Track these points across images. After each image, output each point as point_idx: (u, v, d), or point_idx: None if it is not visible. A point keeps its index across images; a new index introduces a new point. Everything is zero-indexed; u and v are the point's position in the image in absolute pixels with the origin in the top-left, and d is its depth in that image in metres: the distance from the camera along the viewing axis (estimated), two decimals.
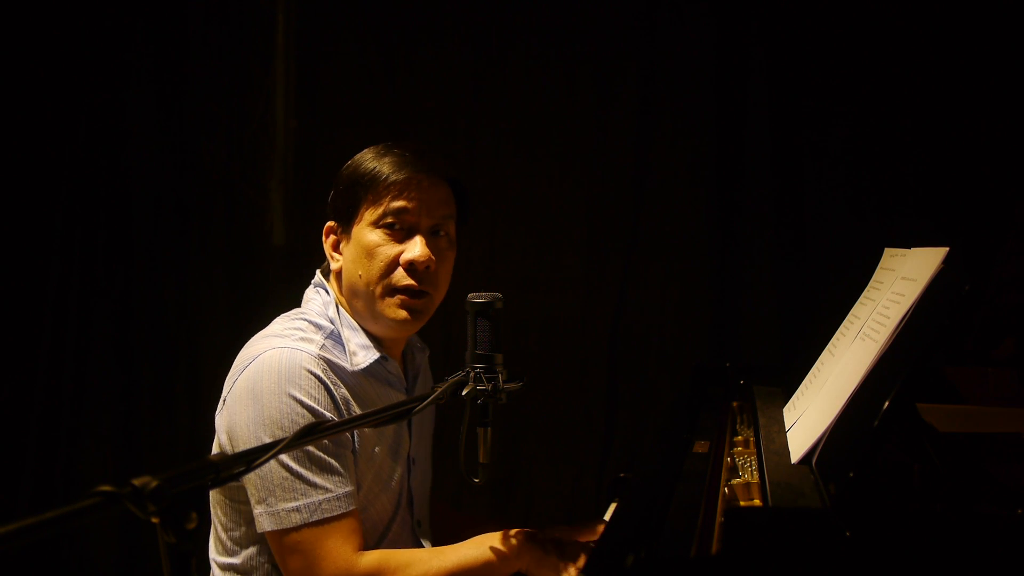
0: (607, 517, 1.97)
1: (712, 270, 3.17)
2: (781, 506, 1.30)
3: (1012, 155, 2.85)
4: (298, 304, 1.87)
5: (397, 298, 1.75)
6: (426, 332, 1.93)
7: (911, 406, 1.47)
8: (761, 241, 3.14)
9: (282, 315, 1.84)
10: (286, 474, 1.64)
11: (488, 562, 1.70)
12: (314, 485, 1.65)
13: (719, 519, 1.33)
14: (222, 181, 3.34)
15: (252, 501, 1.68)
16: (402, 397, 1.86)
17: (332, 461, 1.67)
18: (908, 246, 1.68)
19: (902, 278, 1.57)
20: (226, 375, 1.77)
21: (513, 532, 1.75)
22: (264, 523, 1.66)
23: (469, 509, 2.97)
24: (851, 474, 1.24)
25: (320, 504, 1.65)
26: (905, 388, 1.30)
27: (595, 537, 1.84)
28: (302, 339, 1.73)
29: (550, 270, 3.25)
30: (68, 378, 3.27)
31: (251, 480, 1.66)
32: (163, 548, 0.94)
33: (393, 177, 1.74)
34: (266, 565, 1.76)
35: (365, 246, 1.75)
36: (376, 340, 1.81)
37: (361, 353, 1.77)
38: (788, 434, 1.63)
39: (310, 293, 1.86)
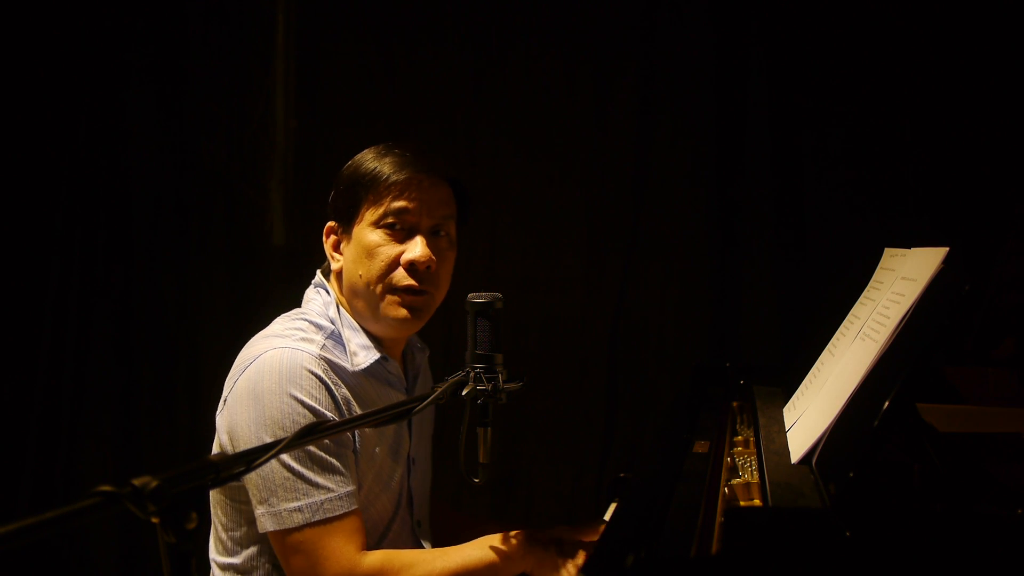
0: (607, 517, 1.97)
1: (712, 270, 3.17)
2: (781, 506, 1.30)
3: (1012, 155, 2.85)
4: (298, 304, 1.87)
5: (398, 297, 1.75)
6: (426, 332, 1.93)
7: (911, 406, 1.47)
8: (761, 241, 3.14)
9: (282, 315, 1.84)
10: (288, 474, 1.64)
11: (492, 563, 1.70)
12: (316, 485, 1.65)
13: (719, 519, 1.33)
14: (222, 181, 3.34)
15: (254, 502, 1.68)
16: (402, 397, 1.86)
17: (334, 461, 1.67)
18: (908, 246, 1.68)
19: (902, 278, 1.57)
20: (226, 375, 1.77)
21: (517, 533, 1.75)
22: (266, 523, 1.66)
23: (469, 509, 2.97)
24: (851, 474, 1.24)
25: (322, 504, 1.65)
26: (905, 388, 1.30)
27: (596, 537, 1.84)
28: (303, 339, 1.73)
29: (550, 270, 3.25)
30: (68, 378, 3.27)
31: (253, 481, 1.66)
32: (163, 548, 0.94)
33: (394, 177, 1.74)
34: (266, 565, 1.76)
35: (366, 246, 1.75)
36: (376, 340, 1.81)
37: (362, 353, 1.77)
38: (788, 434, 1.63)
39: (310, 293, 1.86)
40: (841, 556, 1.14)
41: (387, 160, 1.77)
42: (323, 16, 3.30)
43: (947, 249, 1.44)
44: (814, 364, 1.83)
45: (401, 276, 1.75)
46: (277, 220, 3.35)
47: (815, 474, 1.39)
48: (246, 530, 1.76)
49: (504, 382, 1.61)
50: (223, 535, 1.79)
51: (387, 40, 3.27)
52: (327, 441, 1.67)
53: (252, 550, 1.77)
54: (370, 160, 1.78)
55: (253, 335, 1.80)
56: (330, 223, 1.84)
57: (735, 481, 1.51)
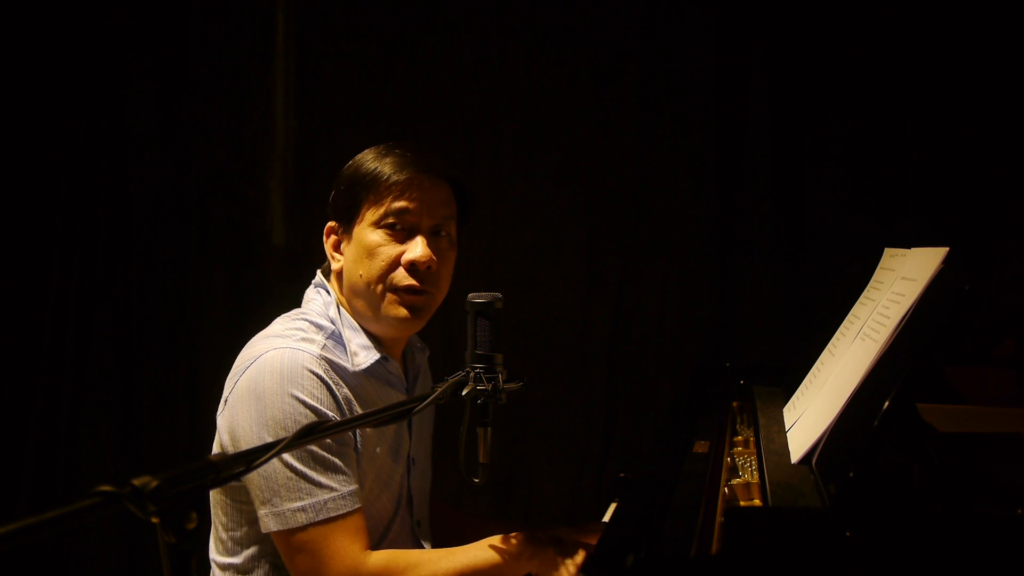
0: (607, 517, 1.97)
1: (712, 270, 3.18)
2: (781, 506, 1.30)
3: (1012, 155, 2.85)
4: (298, 304, 1.87)
5: (398, 297, 1.75)
6: (426, 332, 1.93)
7: (911, 406, 1.47)
8: (761, 241, 3.14)
9: (283, 315, 1.84)
10: (290, 474, 1.64)
11: (498, 564, 1.70)
12: (319, 484, 1.65)
13: (719, 519, 1.33)
14: (222, 181, 3.34)
15: (256, 502, 1.68)
16: (403, 397, 1.86)
17: (336, 460, 1.67)
18: (908, 246, 1.68)
19: (902, 278, 1.57)
20: (226, 375, 1.77)
21: (523, 533, 1.75)
22: (270, 524, 1.66)
23: (469, 509, 2.97)
24: (851, 474, 1.24)
25: (326, 503, 1.65)
26: (905, 388, 1.30)
27: (597, 538, 1.84)
28: (303, 339, 1.73)
29: (550, 270, 3.25)
30: (68, 378, 3.27)
31: (255, 481, 1.66)
32: (163, 548, 0.94)
33: (394, 178, 1.74)
34: (266, 565, 1.76)
35: (366, 246, 1.75)
36: (377, 340, 1.81)
37: (362, 353, 1.77)
38: (788, 434, 1.63)
39: (311, 293, 1.86)
40: (841, 556, 1.14)
41: (388, 160, 1.77)
42: (323, 16, 3.30)
43: (947, 249, 1.44)
44: (814, 364, 1.83)
45: (402, 276, 1.75)
46: (277, 220, 3.35)
47: (815, 474, 1.39)
48: (247, 530, 1.76)
49: (504, 382, 1.61)
50: (223, 535, 1.79)
51: (387, 40, 3.27)
52: (329, 440, 1.67)
53: (252, 550, 1.77)
54: (370, 160, 1.78)
55: (253, 335, 1.80)
56: (330, 223, 1.84)
57: (735, 481, 1.51)
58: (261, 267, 3.33)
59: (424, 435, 1.99)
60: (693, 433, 1.81)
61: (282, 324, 1.79)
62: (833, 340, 1.82)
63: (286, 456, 1.63)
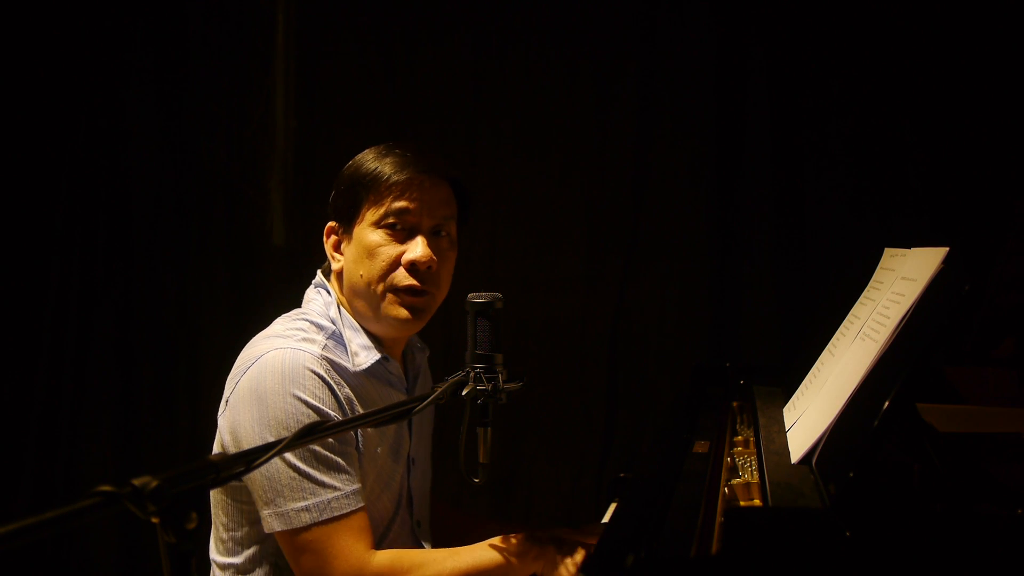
0: (607, 517, 1.97)
1: (712, 270, 3.18)
2: (781, 506, 1.30)
3: (1012, 155, 2.85)
4: (298, 304, 1.87)
5: (399, 297, 1.75)
6: (426, 332, 1.93)
7: (911, 406, 1.47)
8: (761, 241, 3.14)
9: (283, 315, 1.84)
10: (294, 474, 1.64)
11: (502, 564, 1.70)
12: (322, 484, 1.65)
13: (719, 519, 1.33)
14: (222, 181, 3.34)
15: (259, 503, 1.68)
16: (403, 397, 1.86)
17: (339, 460, 1.67)
18: (908, 246, 1.68)
19: (902, 278, 1.57)
20: (226, 375, 1.77)
21: (528, 534, 1.76)
22: (273, 524, 1.66)
23: (469, 509, 2.97)
24: (851, 474, 1.24)
25: (329, 503, 1.65)
26: (905, 388, 1.30)
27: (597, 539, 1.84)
28: (304, 339, 1.73)
29: (550, 270, 3.25)
30: (68, 378, 3.28)
31: (257, 482, 1.66)
32: (163, 548, 0.94)
33: (395, 178, 1.74)
34: (267, 565, 1.76)
35: (367, 246, 1.75)
36: (377, 340, 1.81)
37: (363, 354, 1.77)
38: (788, 434, 1.63)
39: (311, 293, 1.86)
40: (841, 556, 1.14)
41: (388, 160, 1.77)
42: (323, 16, 3.30)
43: (947, 249, 1.44)
44: (814, 364, 1.83)
45: (402, 276, 1.75)
46: (277, 220, 3.35)
47: (815, 474, 1.39)
48: (247, 530, 1.76)
49: (504, 382, 1.61)
50: (224, 535, 1.79)
51: (387, 40, 3.27)
52: (332, 440, 1.67)
53: (253, 550, 1.77)
54: (371, 160, 1.78)
55: (253, 335, 1.80)
56: (331, 223, 1.84)
57: (735, 481, 1.51)
58: (261, 267, 3.33)
59: (424, 435, 1.99)
60: (693, 433, 1.81)
61: (283, 324, 1.79)
62: (833, 340, 1.82)
63: (289, 456, 1.63)
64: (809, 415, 1.59)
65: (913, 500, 1.42)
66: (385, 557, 1.69)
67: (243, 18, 3.32)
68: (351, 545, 1.65)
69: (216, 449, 1.77)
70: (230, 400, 1.71)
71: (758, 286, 3.14)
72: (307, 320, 1.78)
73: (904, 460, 1.48)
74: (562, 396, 3.23)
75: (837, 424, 1.43)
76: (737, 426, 1.94)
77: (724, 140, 3.16)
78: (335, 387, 1.70)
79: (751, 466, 1.61)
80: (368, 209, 1.76)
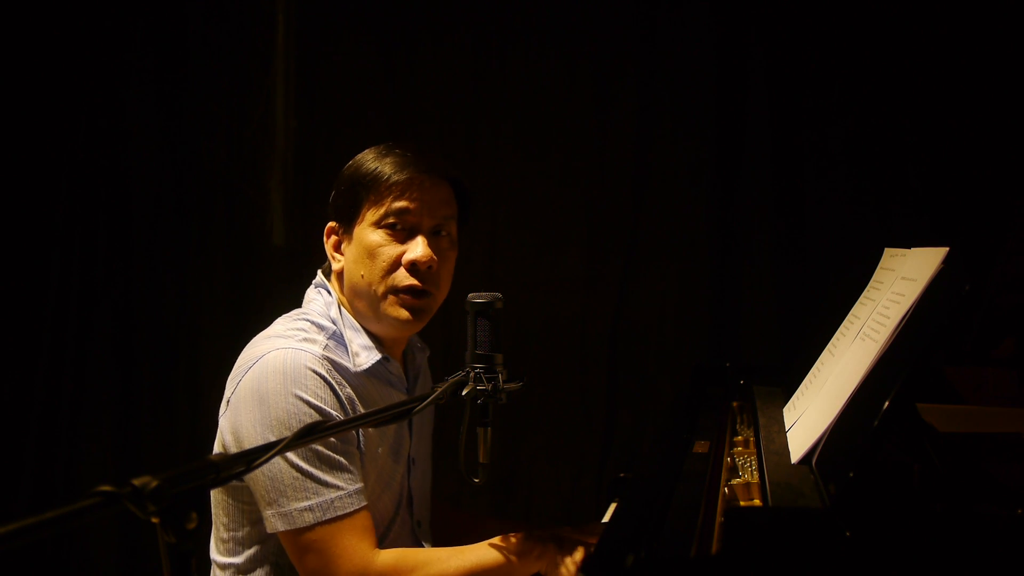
0: (607, 517, 1.97)
1: (712, 270, 3.18)
2: (781, 506, 1.30)
3: (1012, 155, 2.85)
4: (298, 304, 1.87)
5: (399, 298, 1.75)
6: (426, 332, 1.93)
7: (911, 406, 1.47)
8: (761, 241, 3.14)
9: (284, 315, 1.84)
10: (296, 474, 1.64)
11: (506, 562, 1.70)
12: (326, 484, 1.65)
13: (719, 519, 1.33)
14: (222, 181, 3.34)
15: (262, 503, 1.68)
16: (403, 397, 1.86)
17: (341, 459, 1.67)
18: (908, 246, 1.68)
19: (902, 278, 1.57)
20: (227, 375, 1.77)
21: (530, 532, 1.76)
22: (277, 524, 1.66)
23: (469, 509, 2.97)
24: (851, 474, 1.24)
25: (333, 502, 1.65)
26: (905, 388, 1.30)
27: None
28: (305, 339, 1.72)
29: (550, 270, 3.25)
30: (68, 378, 3.28)
31: (260, 482, 1.66)
32: (163, 548, 0.94)
33: (395, 178, 1.74)
34: (268, 565, 1.76)
35: (367, 246, 1.75)
36: (377, 340, 1.81)
37: (363, 354, 1.77)
38: (788, 434, 1.63)
39: (311, 293, 1.86)
40: (841, 556, 1.14)
41: (388, 160, 1.77)
42: (323, 16, 3.30)
43: (947, 249, 1.44)
44: (814, 364, 1.83)
45: (403, 276, 1.75)
46: (277, 220, 3.35)
47: (815, 474, 1.39)
48: (248, 530, 1.76)
49: (504, 382, 1.61)
50: (224, 535, 1.79)
51: (387, 40, 3.27)
52: (333, 440, 1.67)
53: (254, 550, 1.77)
54: (371, 160, 1.78)
55: (253, 335, 1.80)
56: (331, 223, 1.84)
57: (735, 481, 1.51)
58: (261, 267, 3.33)
59: (424, 435, 1.99)
60: (693, 433, 1.81)
61: (283, 324, 1.79)
62: (833, 340, 1.82)
63: (291, 456, 1.63)
64: (809, 415, 1.59)
65: (913, 500, 1.42)
66: (389, 556, 1.69)
67: (243, 18, 3.32)
68: (355, 544, 1.65)
69: (217, 449, 1.77)
70: (231, 400, 1.71)
71: (758, 286, 3.14)
72: (308, 320, 1.78)
73: (904, 460, 1.48)
74: (562, 396, 3.23)
75: (837, 424, 1.43)
76: (737, 426, 1.93)
77: (724, 140, 3.16)
78: (336, 387, 1.70)
79: (751, 466, 1.61)
80: (368, 209, 1.76)
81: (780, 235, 3.12)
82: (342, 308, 1.81)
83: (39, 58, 3.22)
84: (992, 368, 2.05)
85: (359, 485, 1.69)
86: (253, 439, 1.65)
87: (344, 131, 3.22)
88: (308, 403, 1.65)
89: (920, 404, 1.54)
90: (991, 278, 2.01)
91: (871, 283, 1.81)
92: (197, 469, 0.99)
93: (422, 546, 1.92)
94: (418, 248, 1.74)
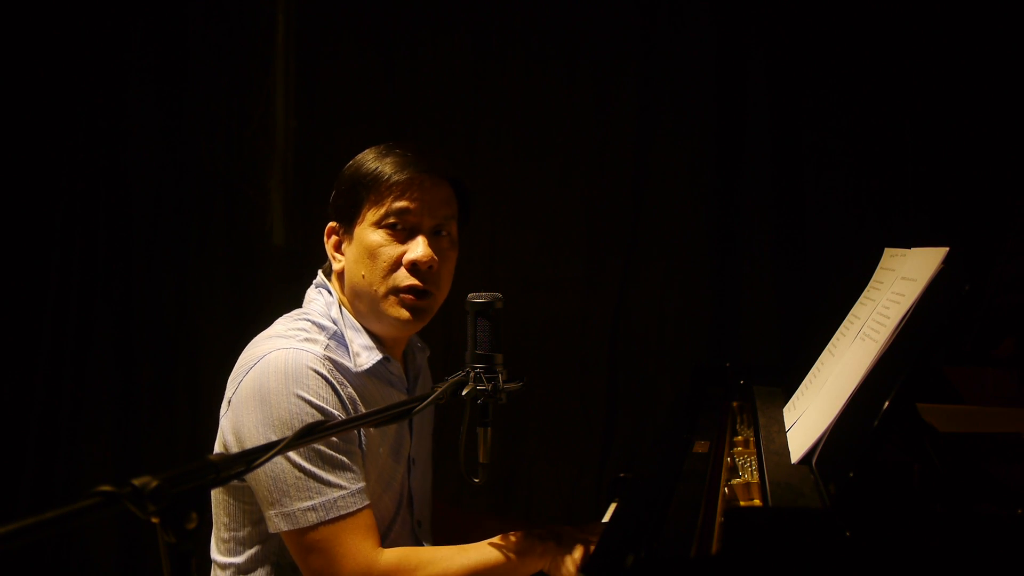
0: (607, 517, 1.97)
1: (712, 270, 3.17)
2: (781, 506, 1.30)
3: (1012, 155, 2.85)
4: (299, 304, 1.87)
5: (400, 298, 1.75)
6: (426, 332, 1.93)
7: (911, 406, 1.47)
8: (761, 241, 3.14)
9: (284, 315, 1.83)
10: (299, 474, 1.64)
11: (510, 560, 1.70)
12: (328, 483, 1.65)
13: (719, 519, 1.33)
14: (222, 181, 3.34)
15: (264, 504, 1.68)
16: (404, 397, 1.86)
17: (343, 459, 1.67)
18: (908, 246, 1.68)
19: (902, 278, 1.57)
20: (226, 375, 1.76)
21: (533, 531, 1.76)
22: (280, 524, 1.66)
23: (469, 509, 2.97)
24: (851, 474, 1.24)
25: (336, 501, 1.65)
26: (905, 388, 1.30)
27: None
28: (306, 339, 1.72)
29: (550, 270, 3.25)
30: (68, 378, 3.28)
31: (262, 482, 1.66)
32: (163, 548, 0.94)
33: (395, 177, 1.74)
34: (269, 565, 1.76)
35: (367, 246, 1.75)
36: (378, 340, 1.81)
37: (364, 354, 1.77)
38: (788, 434, 1.63)
39: (312, 293, 1.86)
40: (841, 556, 1.14)
41: (388, 160, 1.76)
42: (323, 16, 3.30)
43: (947, 249, 1.44)
44: (814, 364, 1.83)
45: (403, 276, 1.75)
46: (277, 220, 3.35)
47: (815, 474, 1.39)
48: (249, 530, 1.76)
49: (504, 382, 1.61)
50: (225, 535, 1.79)
51: (387, 40, 3.27)
52: (335, 439, 1.67)
53: (255, 550, 1.77)
54: (371, 160, 1.78)
55: (253, 335, 1.80)
56: (331, 223, 1.84)
57: (735, 481, 1.51)
58: (261, 267, 3.33)
59: (424, 435, 1.99)
60: (693, 433, 1.81)
61: (284, 324, 1.79)
62: (833, 340, 1.82)
63: (294, 456, 1.63)
64: (809, 415, 1.59)
65: (913, 500, 1.42)
66: (393, 555, 1.69)
67: (243, 18, 3.32)
68: (358, 543, 1.65)
69: (217, 449, 1.77)
70: (232, 401, 1.71)
71: (758, 286, 3.14)
72: (309, 320, 1.78)
73: (904, 460, 1.48)
74: (562, 396, 3.23)
75: (837, 424, 1.43)
76: (737, 426, 1.94)
77: (724, 140, 3.16)
78: (338, 387, 1.70)
79: (751, 466, 1.61)
80: (369, 209, 1.76)
81: (780, 235, 3.12)
82: (343, 308, 1.81)
83: (39, 58, 3.22)
84: (992, 368, 2.06)
85: (362, 484, 1.69)
86: (255, 439, 1.65)
87: (344, 131, 3.22)
88: (310, 403, 1.65)
89: (920, 404, 1.54)
90: (991, 278, 2.02)
91: (871, 283, 1.81)
92: (197, 469, 0.99)
93: (423, 546, 1.92)
94: (419, 248, 1.74)
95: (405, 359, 1.93)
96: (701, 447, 1.71)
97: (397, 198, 1.74)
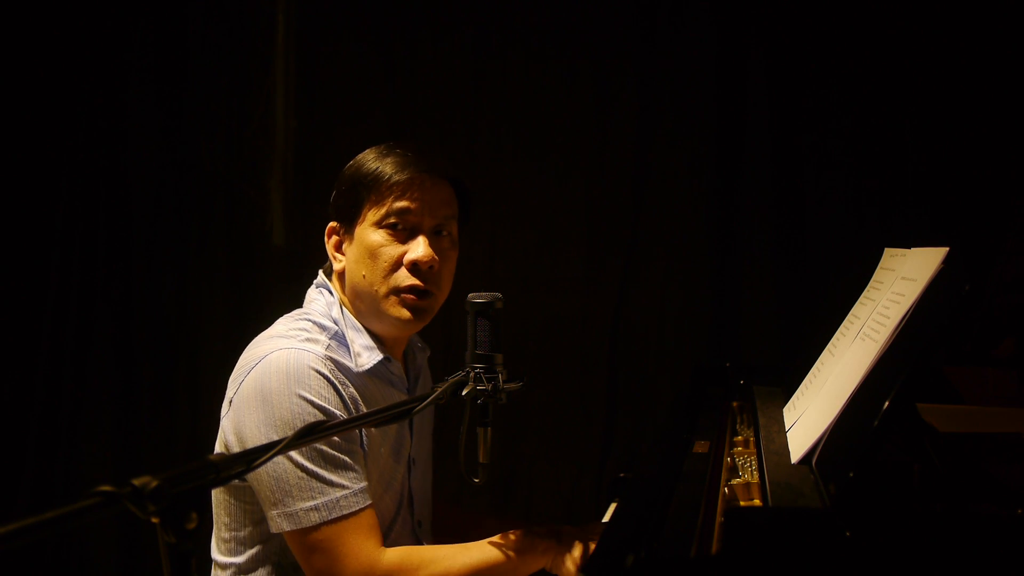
0: (607, 517, 1.97)
1: (712, 270, 3.17)
2: (781, 506, 1.30)
3: (1012, 155, 2.85)
4: (299, 304, 1.87)
5: (401, 298, 1.76)
6: (426, 332, 1.93)
7: (911, 406, 1.47)
8: (761, 241, 3.14)
9: (285, 315, 1.83)
10: (301, 474, 1.64)
11: (512, 559, 1.70)
12: (331, 483, 1.65)
13: (719, 519, 1.33)
14: (222, 181, 3.34)
15: (267, 503, 1.67)
16: (404, 397, 1.86)
17: (346, 458, 1.67)
18: (908, 246, 1.68)
19: (902, 278, 1.57)
20: (227, 375, 1.76)
21: (540, 529, 1.76)
22: (282, 524, 1.66)
23: (469, 509, 2.97)
24: (851, 474, 1.24)
25: (338, 501, 1.65)
26: (905, 388, 1.30)
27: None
28: (308, 339, 1.72)
29: (550, 270, 3.25)
30: (68, 378, 3.28)
31: (265, 482, 1.66)
32: (163, 548, 0.94)
33: (396, 177, 1.74)
34: (269, 565, 1.76)
35: (368, 246, 1.75)
36: (379, 340, 1.81)
37: (365, 354, 1.77)
38: (788, 434, 1.63)
39: (313, 293, 1.86)
40: (841, 556, 1.14)
41: (389, 160, 1.77)
42: (323, 16, 3.30)
43: (947, 249, 1.44)
44: (814, 364, 1.83)
45: (404, 276, 1.75)
46: (277, 220, 3.35)
47: (815, 474, 1.39)
48: (250, 530, 1.76)
49: (504, 382, 1.61)
50: (226, 535, 1.79)
51: (387, 40, 3.27)
52: (337, 439, 1.67)
53: (255, 550, 1.77)
54: (372, 160, 1.78)
55: (254, 335, 1.80)
56: (332, 223, 1.84)
57: (735, 481, 1.51)
58: (261, 267, 3.33)
59: (424, 435, 1.99)
60: (693, 433, 1.81)
61: (285, 324, 1.79)
62: (833, 340, 1.82)
63: (296, 456, 1.63)
64: (809, 415, 1.59)
65: (913, 500, 1.42)
66: (395, 554, 1.69)
67: (243, 18, 3.32)
68: (361, 543, 1.66)
69: (218, 449, 1.77)
70: (234, 401, 1.71)
71: (758, 286, 3.14)
72: (310, 320, 1.78)
73: (904, 460, 1.48)
74: (562, 396, 3.23)
75: (837, 424, 1.43)
76: (737, 426, 1.94)
77: (724, 140, 3.16)
78: (340, 387, 1.70)
79: (751, 466, 1.61)
80: (369, 209, 1.76)
81: (780, 235, 3.12)
82: (344, 308, 1.81)
83: (39, 58, 3.22)
84: (992, 368, 2.06)
85: (364, 484, 1.69)
86: (257, 440, 1.65)
87: (344, 131, 3.22)
88: (312, 403, 1.65)
89: (920, 404, 1.54)
90: (991, 278, 2.02)
91: (871, 283, 1.81)
92: (197, 469, 0.99)
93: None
94: (419, 248, 1.74)
95: (405, 359, 1.93)
96: (701, 447, 1.71)
97: (398, 198, 1.74)
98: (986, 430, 1.80)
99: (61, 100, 3.24)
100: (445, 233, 1.81)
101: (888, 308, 1.53)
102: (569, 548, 1.73)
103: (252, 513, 1.74)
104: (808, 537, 1.16)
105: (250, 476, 1.67)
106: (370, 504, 1.69)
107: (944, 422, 1.72)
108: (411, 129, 3.21)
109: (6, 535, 0.82)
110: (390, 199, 1.74)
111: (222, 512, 1.79)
